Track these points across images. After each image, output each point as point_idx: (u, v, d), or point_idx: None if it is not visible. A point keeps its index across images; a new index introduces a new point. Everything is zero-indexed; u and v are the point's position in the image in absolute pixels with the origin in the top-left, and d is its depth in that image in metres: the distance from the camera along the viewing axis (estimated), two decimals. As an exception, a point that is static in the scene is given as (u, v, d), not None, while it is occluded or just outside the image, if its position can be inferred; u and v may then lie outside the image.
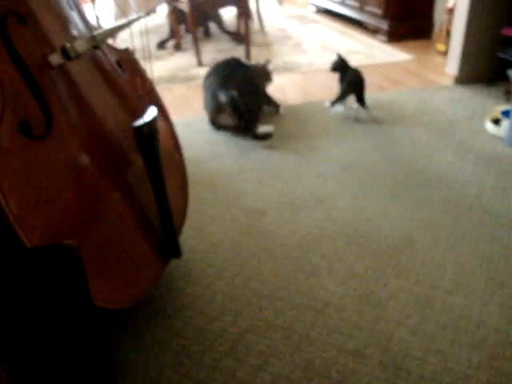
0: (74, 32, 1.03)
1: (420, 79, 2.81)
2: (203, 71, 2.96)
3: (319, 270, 1.31)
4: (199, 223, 1.54)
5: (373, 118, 2.26)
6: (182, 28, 3.86)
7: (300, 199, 1.64)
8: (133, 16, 1.03)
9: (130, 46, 1.33)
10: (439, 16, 3.57)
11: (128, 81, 1.16)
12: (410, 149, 1.96)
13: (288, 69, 3.11)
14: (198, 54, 3.26)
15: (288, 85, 2.85)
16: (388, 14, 3.57)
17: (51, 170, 0.82)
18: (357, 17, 4.02)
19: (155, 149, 1.04)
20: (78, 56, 0.92)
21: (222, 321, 1.17)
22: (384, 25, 3.64)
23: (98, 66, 1.08)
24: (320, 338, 1.10)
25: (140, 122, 1.01)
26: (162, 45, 3.78)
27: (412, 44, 3.58)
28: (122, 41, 3.74)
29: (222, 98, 2.05)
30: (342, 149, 1.98)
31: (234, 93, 2.04)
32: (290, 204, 1.62)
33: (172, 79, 3.00)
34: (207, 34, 4.05)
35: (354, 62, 3.02)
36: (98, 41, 0.98)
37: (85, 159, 0.91)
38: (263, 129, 2.14)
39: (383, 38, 3.67)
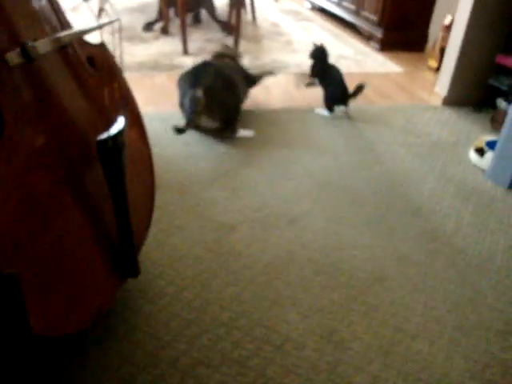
0: (43, 27, 0.93)
1: (409, 95, 2.77)
2: (188, 61, 2.87)
3: (283, 300, 1.26)
4: (163, 233, 1.46)
5: (356, 132, 2.21)
6: (172, 11, 3.72)
7: (272, 216, 1.58)
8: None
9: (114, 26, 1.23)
10: (434, 31, 3.54)
11: (99, 81, 1.07)
12: (392, 170, 1.92)
13: (275, 68, 3.03)
14: (184, 41, 3.15)
15: (273, 86, 2.77)
16: (383, 22, 3.51)
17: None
18: (352, 20, 3.95)
19: (119, 164, 0.96)
20: (40, 56, 0.83)
21: (176, 348, 1.10)
22: (378, 32, 3.58)
23: (65, 64, 0.98)
24: (276, 378, 1.05)
25: (105, 135, 0.93)
26: (148, 26, 3.65)
27: (404, 56, 3.54)
28: (107, 17, 3.58)
29: (187, 100, 1.96)
30: (321, 164, 1.92)
31: (200, 93, 1.95)
32: (262, 221, 1.55)
33: (154, 66, 2.88)
34: (197, 20, 3.93)
35: (343, 68, 2.95)
36: (64, 41, 0.89)
37: (36, 168, 0.83)
38: (243, 133, 2.07)
39: (376, 45, 3.61)
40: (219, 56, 2.31)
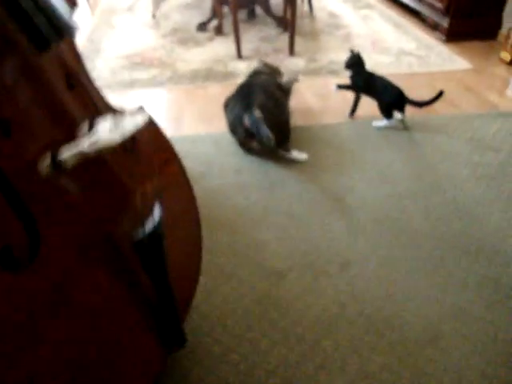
0: (77, 121, 0.89)
1: (477, 100, 2.59)
2: (242, 66, 2.84)
3: (330, 364, 1.25)
4: (213, 281, 1.49)
5: (415, 151, 2.11)
6: (226, 8, 3.67)
7: (324, 260, 1.56)
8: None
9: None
10: (509, 17, 3.26)
11: (140, 167, 1.06)
12: (452, 200, 1.82)
13: (333, 71, 2.93)
14: (237, 43, 3.11)
15: (330, 94, 2.68)
16: (450, 10, 3.28)
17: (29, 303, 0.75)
18: (415, 7, 3.72)
19: (159, 257, 0.98)
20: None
21: (222, 417, 1.13)
22: (444, 22, 3.36)
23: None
24: None
25: (140, 234, 0.94)
26: (202, 26, 3.63)
27: (473, 46, 3.30)
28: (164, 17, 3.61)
29: (247, 121, 1.95)
30: (377, 193, 1.86)
31: (257, 113, 1.93)
32: (312, 266, 1.54)
33: (207, 75, 2.88)
34: (253, 15, 3.86)
35: (404, 66, 2.83)
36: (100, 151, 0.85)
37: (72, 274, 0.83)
38: (296, 155, 2.04)
39: (441, 36, 3.39)
40: (256, 74, 2.27)
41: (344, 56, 3.05)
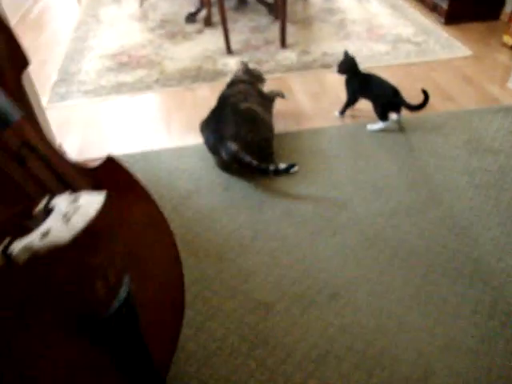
0: (33, 197, 0.84)
1: (476, 93, 2.50)
2: (232, 62, 2.76)
3: (319, 408, 1.23)
4: (200, 316, 1.47)
5: (411, 158, 2.04)
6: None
7: (313, 289, 1.53)
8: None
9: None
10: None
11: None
12: (449, 213, 1.77)
13: (326, 65, 2.83)
14: (226, 38, 3.01)
15: (322, 92, 2.60)
16: (450, -9, 3.13)
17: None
18: (414, -13, 3.57)
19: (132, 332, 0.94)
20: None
21: None
22: (443, 3, 3.21)
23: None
24: None
25: (110, 310, 0.90)
26: (191, 17, 3.52)
27: (474, 28, 3.17)
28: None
29: (224, 154, 1.90)
30: (370, 209, 1.81)
31: (233, 146, 1.88)
32: (301, 297, 1.51)
33: (196, 75, 2.80)
34: (243, 2, 3.72)
35: (401, 56, 2.73)
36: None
37: None
38: (284, 167, 1.97)
39: (440, 18, 3.26)
40: (235, 83, 2.18)
41: (338, 47, 2.96)
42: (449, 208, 1.79)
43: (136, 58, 3.04)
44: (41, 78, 2.86)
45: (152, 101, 2.61)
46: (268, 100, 2.20)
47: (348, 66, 2.25)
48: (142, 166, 2.08)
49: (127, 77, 2.82)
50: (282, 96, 2.34)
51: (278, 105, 2.42)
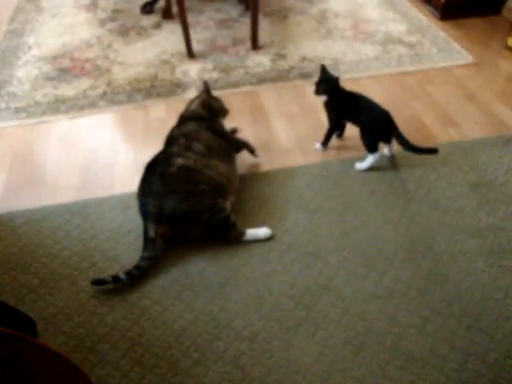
0: None
1: (482, 114, 2.15)
2: (193, 70, 2.36)
3: None
4: None
5: (407, 207, 1.70)
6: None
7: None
8: None
9: None
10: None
11: None
12: (456, 296, 1.46)
13: (305, 74, 2.42)
14: (187, 39, 2.56)
15: (301, 112, 2.20)
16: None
17: None
18: (405, -27, 3.13)
19: None
20: None
21: None
22: (440, -6, 2.80)
23: None
24: None
25: None
26: (147, 7, 3.05)
27: (473, 25, 2.81)
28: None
29: (151, 232, 1.56)
30: (360, 288, 1.48)
31: (151, 232, 1.54)
32: None
33: (149, 88, 2.37)
34: (208, -12, 3.23)
35: (393, 61, 2.35)
36: None
37: None
38: (254, 234, 1.61)
39: (436, 12, 2.86)
40: (185, 119, 1.79)
41: (319, 49, 2.57)
42: (455, 287, 1.46)
43: (80, 63, 2.58)
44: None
45: (95, 124, 2.18)
46: (232, 144, 1.80)
47: (328, 85, 1.84)
48: (79, 223, 1.69)
49: (68, 89, 2.37)
50: (252, 151, 1.91)
51: (247, 133, 2.03)
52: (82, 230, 1.67)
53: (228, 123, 1.98)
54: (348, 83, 2.23)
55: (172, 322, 1.40)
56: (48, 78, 2.47)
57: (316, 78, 1.87)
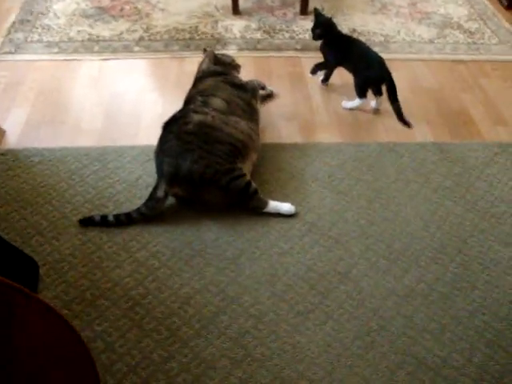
0: None
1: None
2: (236, 28, 2.24)
3: None
4: None
5: (445, 206, 1.57)
6: None
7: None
8: None
9: None
10: None
11: None
12: (483, 303, 1.35)
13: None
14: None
15: (342, 84, 2.06)
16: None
17: None
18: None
19: None
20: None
21: None
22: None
23: None
24: None
25: None
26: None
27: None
28: None
29: (160, 193, 1.47)
30: (378, 283, 1.39)
31: (160, 192, 1.46)
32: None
33: (188, 40, 2.25)
34: None
35: (448, 46, 2.21)
36: None
37: None
38: (275, 207, 1.51)
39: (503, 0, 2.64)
40: (202, 77, 1.71)
41: (371, 23, 2.41)
42: (481, 298, 1.37)
43: (120, 3, 2.47)
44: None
45: (127, 69, 2.08)
46: (247, 91, 1.71)
47: (324, 28, 1.87)
48: (96, 169, 1.62)
49: (104, 29, 2.28)
50: (266, 91, 1.91)
51: (282, 99, 1.92)
52: (99, 178, 1.60)
53: (266, 85, 1.92)
54: (396, 63, 2.11)
55: (178, 287, 1.33)
56: (85, 16, 2.37)
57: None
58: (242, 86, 1.69)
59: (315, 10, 1.87)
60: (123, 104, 1.91)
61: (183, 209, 1.52)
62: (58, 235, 1.44)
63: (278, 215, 1.51)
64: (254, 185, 1.48)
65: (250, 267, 1.39)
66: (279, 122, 1.84)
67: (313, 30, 1.86)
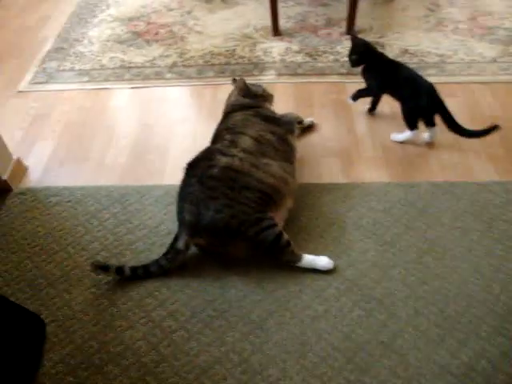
0: None
1: None
2: (276, 50, 2.13)
3: None
4: None
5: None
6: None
7: None
8: None
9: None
10: None
11: None
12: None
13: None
14: (273, 11, 2.28)
15: (390, 118, 1.87)
16: None
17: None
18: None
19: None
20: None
21: None
22: None
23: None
24: None
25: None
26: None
27: None
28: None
29: (180, 244, 1.34)
30: (429, 358, 1.20)
31: (180, 244, 1.33)
32: None
33: (226, 64, 2.13)
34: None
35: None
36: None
37: None
38: (311, 262, 1.35)
39: None
40: (233, 110, 1.57)
41: (425, 41, 2.20)
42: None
43: (155, 27, 2.39)
44: (33, 43, 2.30)
45: (157, 98, 1.99)
46: (282, 125, 1.55)
47: (361, 52, 1.70)
48: (116, 211, 1.54)
49: (137, 55, 2.21)
50: (304, 123, 1.75)
51: (324, 130, 1.75)
52: (118, 222, 1.49)
53: (306, 116, 1.78)
54: (453, 87, 1.91)
55: (196, 354, 1.19)
56: (119, 41, 2.31)
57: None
58: (275, 120, 1.54)
59: (351, 36, 1.74)
60: (151, 137, 1.81)
61: (207, 260, 1.38)
62: (71, 287, 1.33)
63: (314, 270, 1.34)
64: (285, 236, 1.32)
65: (278, 333, 1.23)
66: (319, 158, 1.68)
67: (349, 56, 1.72)
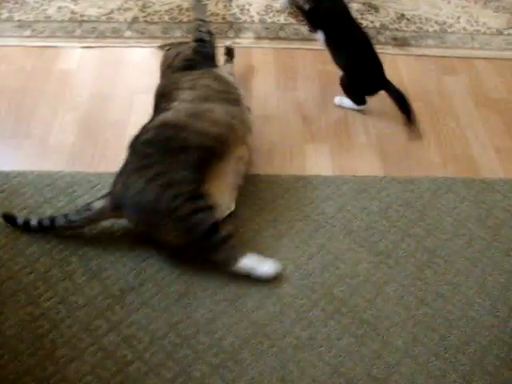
0: None
1: None
2: (256, 6, 2.05)
3: None
4: None
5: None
6: None
7: None
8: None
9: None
10: None
11: None
12: None
13: (399, 40, 1.87)
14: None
15: (386, 97, 1.67)
16: None
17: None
18: None
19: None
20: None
21: None
22: None
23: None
24: None
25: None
26: None
27: None
28: None
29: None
30: None
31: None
32: None
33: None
34: None
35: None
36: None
37: None
38: (254, 268, 1.17)
39: None
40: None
41: (424, 7, 2.04)
42: None
43: (113, -29, 2.06)
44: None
45: (114, 60, 1.74)
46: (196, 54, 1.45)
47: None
48: (59, 207, 1.29)
49: (91, 6, 1.92)
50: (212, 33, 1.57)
51: (307, 104, 1.55)
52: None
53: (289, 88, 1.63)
54: (454, 62, 1.71)
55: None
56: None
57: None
58: (189, 61, 1.42)
59: None
60: (106, 110, 1.57)
61: (169, 272, 1.18)
62: (1, 305, 1.11)
63: (299, 291, 1.16)
64: (227, 228, 1.17)
65: (254, 366, 1.06)
66: (303, 144, 1.48)
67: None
